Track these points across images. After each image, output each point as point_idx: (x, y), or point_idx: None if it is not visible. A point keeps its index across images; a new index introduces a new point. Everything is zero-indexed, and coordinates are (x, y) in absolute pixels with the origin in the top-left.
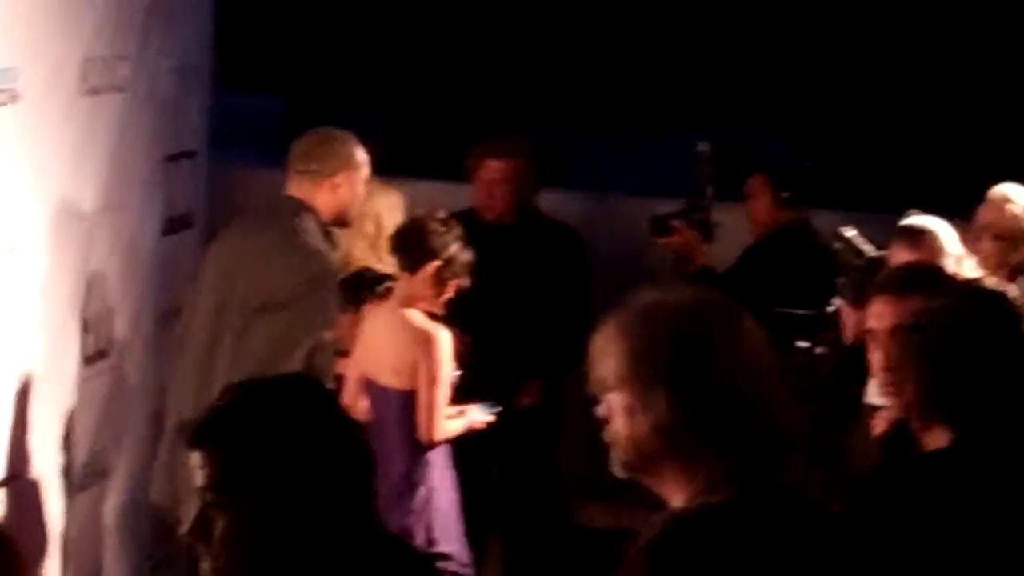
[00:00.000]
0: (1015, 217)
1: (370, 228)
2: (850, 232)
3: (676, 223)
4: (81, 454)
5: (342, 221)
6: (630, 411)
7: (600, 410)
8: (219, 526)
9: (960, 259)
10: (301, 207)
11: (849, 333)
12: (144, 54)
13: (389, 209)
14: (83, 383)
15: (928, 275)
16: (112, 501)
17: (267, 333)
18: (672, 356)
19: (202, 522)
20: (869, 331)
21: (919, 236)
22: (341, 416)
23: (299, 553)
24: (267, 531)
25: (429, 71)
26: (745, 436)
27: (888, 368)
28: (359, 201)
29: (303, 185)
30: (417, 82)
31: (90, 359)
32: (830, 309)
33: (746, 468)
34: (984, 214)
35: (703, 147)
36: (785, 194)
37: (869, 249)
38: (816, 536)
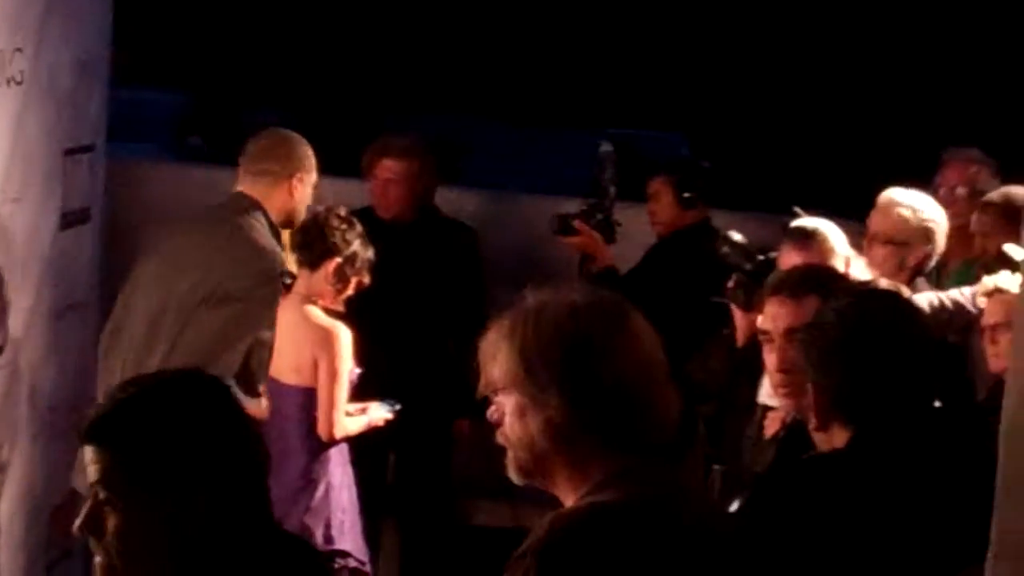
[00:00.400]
0: (904, 220)
1: None
2: (737, 236)
3: (578, 223)
4: None
5: (291, 222)
6: (521, 412)
7: (491, 412)
8: (111, 522)
9: (849, 260)
10: (253, 205)
11: (740, 336)
12: (43, 47)
13: None
14: None
15: (822, 277)
16: (7, 497)
17: (209, 327)
18: (562, 356)
19: (94, 517)
20: (762, 333)
21: (809, 237)
22: (235, 414)
23: (192, 550)
24: (159, 528)
25: (329, 66)
26: (635, 435)
27: (783, 370)
28: (308, 203)
29: (259, 184)
30: (317, 76)
31: None
32: None
33: (637, 467)
34: (874, 220)
35: (605, 148)
36: (687, 194)
37: (756, 252)
38: (708, 536)
